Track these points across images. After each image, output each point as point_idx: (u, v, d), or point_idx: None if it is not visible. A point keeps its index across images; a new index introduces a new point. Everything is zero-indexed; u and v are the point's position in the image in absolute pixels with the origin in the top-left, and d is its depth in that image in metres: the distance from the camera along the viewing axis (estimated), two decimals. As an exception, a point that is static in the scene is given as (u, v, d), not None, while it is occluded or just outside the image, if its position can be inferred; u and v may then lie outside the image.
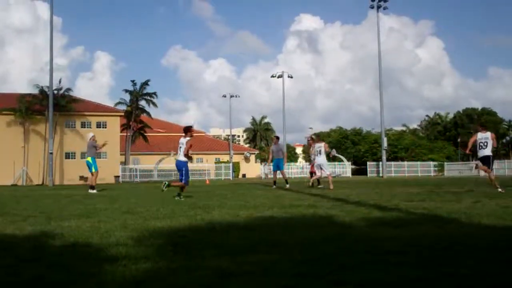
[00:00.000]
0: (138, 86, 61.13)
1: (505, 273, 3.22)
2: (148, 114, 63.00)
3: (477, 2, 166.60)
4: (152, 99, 62.47)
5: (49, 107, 40.23)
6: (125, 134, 59.09)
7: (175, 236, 5.11)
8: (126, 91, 61.67)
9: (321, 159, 17.83)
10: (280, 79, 68.06)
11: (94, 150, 18.42)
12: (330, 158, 58.08)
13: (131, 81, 74.33)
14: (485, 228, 5.51)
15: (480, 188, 11.67)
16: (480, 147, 13.60)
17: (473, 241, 4.51)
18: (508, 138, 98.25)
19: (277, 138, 22.15)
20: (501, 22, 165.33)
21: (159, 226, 6.06)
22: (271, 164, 21.84)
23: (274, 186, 19.73)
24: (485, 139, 13.62)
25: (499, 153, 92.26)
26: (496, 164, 59.12)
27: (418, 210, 7.79)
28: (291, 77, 70.43)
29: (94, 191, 17.51)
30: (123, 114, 57.28)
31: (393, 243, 4.41)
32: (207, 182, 36.65)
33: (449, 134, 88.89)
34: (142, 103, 62.39)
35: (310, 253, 4.03)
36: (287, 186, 19.02)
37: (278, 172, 20.45)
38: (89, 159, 18.26)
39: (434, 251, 4.03)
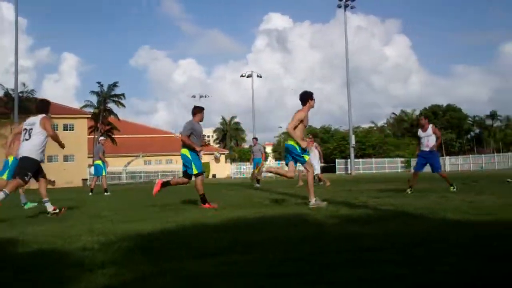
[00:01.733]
0: (105, 88, 60.47)
1: (483, 269, 3.24)
2: (116, 115, 62.38)
3: (443, 0, 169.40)
4: (120, 100, 61.93)
5: (15, 109, 39.45)
6: (92, 136, 58.35)
7: (145, 240, 5.02)
8: (93, 93, 60.97)
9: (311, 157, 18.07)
10: (250, 78, 68.38)
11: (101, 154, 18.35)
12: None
13: (97, 82, 73.61)
14: (453, 223, 5.59)
15: (444, 183, 11.88)
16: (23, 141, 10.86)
17: (445, 236, 4.56)
18: (472, 133, 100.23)
19: (256, 139, 23.11)
20: (467, 21, 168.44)
21: (128, 229, 5.95)
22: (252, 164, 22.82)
23: (258, 185, 20.36)
24: (32, 125, 11.80)
25: (464, 148, 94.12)
26: (460, 159, 60.50)
27: (386, 207, 7.87)
28: (260, 77, 70.86)
29: (108, 193, 17.62)
30: (90, 116, 56.58)
31: (370, 240, 4.44)
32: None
33: (415, 130, 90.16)
34: (111, 104, 61.77)
35: (287, 253, 3.98)
36: (258, 185, 19.37)
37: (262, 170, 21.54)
38: (99, 162, 18.13)
39: (411, 247, 4.05)
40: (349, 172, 54.44)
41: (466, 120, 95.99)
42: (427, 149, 11.90)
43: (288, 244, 4.41)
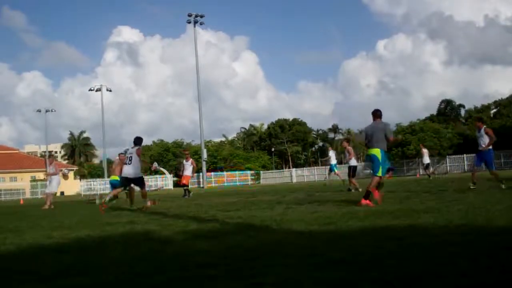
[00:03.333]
0: None
1: (308, 279, 3.41)
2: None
3: (287, 21, 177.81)
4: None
5: None
6: None
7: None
8: None
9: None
10: (99, 92, 66.39)
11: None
12: (152, 172, 57.96)
13: None
14: (295, 234, 5.82)
15: (294, 194, 12.43)
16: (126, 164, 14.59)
17: (284, 248, 4.73)
18: (316, 146, 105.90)
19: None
20: (309, 39, 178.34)
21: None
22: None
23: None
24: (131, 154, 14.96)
25: (309, 160, 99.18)
26: (306, 171, 63.58)
27: (234, 220, 8.02)
28: (110, 91, 68.96)
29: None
30: None
31: (207, 256, 4.46)
32: (21, 202, 34.00)
33: (264, 144, 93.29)
34: None
35: (123, 273, 3.91)
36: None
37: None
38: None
39: (246, 261, 4.13)
40: (201, 186, 54.73)
41: (310, 134, 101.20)
42: (482, 148, 13.38)
43: (124, 265, 4.32)
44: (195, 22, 53.61)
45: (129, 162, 13.23)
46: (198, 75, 53.47)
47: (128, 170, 13.27)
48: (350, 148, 18.10)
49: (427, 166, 30.51)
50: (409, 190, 14.92)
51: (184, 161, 22.36)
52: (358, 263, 3.80)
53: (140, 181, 13.54)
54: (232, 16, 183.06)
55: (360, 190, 15.25)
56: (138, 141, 13.70)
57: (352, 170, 17.17)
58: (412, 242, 4.69)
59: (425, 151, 30.78)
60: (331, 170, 25.31)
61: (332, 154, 28.91)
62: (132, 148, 13.60)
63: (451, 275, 3.27)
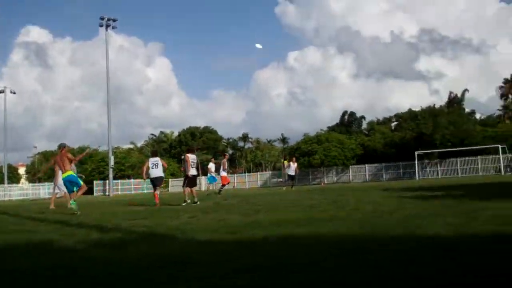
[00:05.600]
0: None
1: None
2: None
3: (202, 29, 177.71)
4: None
5: None
6: None
7: None
8: None
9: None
10: (2, 94, 63.51)
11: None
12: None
13: None
14: (201, 242, 5.81)
15: (201, 202, 12.40)
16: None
17: (188, 257, 4.71)
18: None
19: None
20: (223, 49, 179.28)
21: None
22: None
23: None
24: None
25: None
26: (203, 180, 63.52)
27: (140, 228, 7.88)
28: (14, 93, 66.03)
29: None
30: None
31: (108, 266, 4.35)
32: None
33: (174, 151, 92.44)
34: None
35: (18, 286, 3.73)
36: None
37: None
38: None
39: (149, 271, 4.08)
40: (107, 193, 53.30)
41: (221, 142, 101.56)
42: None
43: (20, 278, 4.14)
44: (107, 26, 52.37)
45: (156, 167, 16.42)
46: (108, 79, 52.19)
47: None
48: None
49: (291, 178, 30.69)
50: (312, 198, 15.29)
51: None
52: (262, 271, 3.86)
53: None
54: (147, 22, 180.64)
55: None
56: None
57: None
58: (315, 250, 4.82)
59: (291, 164, 30.59)
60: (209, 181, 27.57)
61: (211, 166, 29.73)
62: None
63: (356, 282, 3.39)
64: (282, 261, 4.22)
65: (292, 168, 29.90)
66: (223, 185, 25.01)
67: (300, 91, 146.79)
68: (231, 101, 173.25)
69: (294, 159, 31.78)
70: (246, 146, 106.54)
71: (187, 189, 16.45)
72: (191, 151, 17.49)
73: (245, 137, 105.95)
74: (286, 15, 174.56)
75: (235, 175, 68.42)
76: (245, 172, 78.49)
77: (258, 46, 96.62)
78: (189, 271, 3.99)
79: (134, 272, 4.08)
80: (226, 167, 23.93)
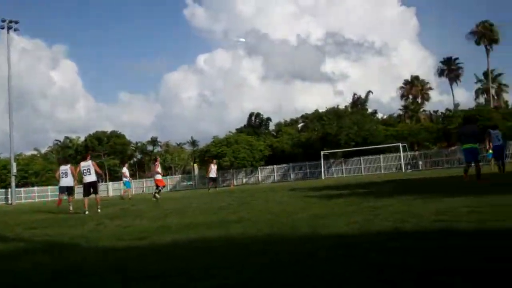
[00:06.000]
0: None
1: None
2: None
3: (108, 31, 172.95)
4: None
5: None
6: None
7: None
8: None
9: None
10: None
11: None
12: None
13: None
14: (105, 250, 5.65)
15: (109, 209, 12.08)
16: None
17: (91, 266, 4.58)
18: (135, 159, 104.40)
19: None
20: (131, 52, 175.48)
21: None
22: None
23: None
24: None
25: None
26: (110, 186, 62.31)
27: (42, 238, 7.57)
28: None
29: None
30: None
31: (7, 277, 4.15)
32: None
33: (80, 157, 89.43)
34: None
35: None
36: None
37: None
38: None
39: (48, 281, 3.93)
40: (9, 202, 50.68)
41: (129, 146, 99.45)
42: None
43: None
44: (9, 28, 49.88)
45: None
46: (9, 82, 49.61)
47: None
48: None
49: (213, 180, 31.19)
50: (222, 200, 15.34)
51: None
52: (167, 277, 3.81)
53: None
54: (51, 24, 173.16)
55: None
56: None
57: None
58: (223, 252, 4.83)
59: (213, 166, 31.14)
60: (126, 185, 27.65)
61: (125, 170, 29.64)
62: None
63: (265, 284, 3.42)
64: (190, 266, 4.19)
65: (213, 170, 30.54)
66: (160, 187, 24.23)
67: (210, 94, 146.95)
68: (139, 104, 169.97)
69: (214, 161, 32.69)
70: (155, 150, 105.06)
71: (86, 199, 15.13)
72: (83, 158, 16.46)
73: (154, 141, 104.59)
74: (195, 17, 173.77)
75: (144, 179, 67.40)
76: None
77: (241, 40, 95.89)
78: (89, 279, 3.88)
79: (29, 283, 3.91)
80: (159, 170, 23.49)
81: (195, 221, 8.37)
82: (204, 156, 52.81)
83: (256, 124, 77.21)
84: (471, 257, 3.65)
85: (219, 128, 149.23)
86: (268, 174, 57.05)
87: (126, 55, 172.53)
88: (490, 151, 21.70)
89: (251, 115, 78.54)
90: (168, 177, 66.59)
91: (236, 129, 73.37)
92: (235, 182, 57.02)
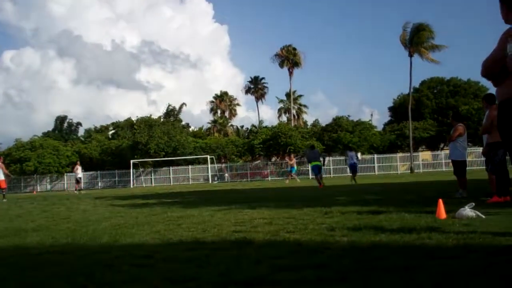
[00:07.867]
0: None
1: None
2: None
3: None
4: None
5: None
6: None
7: None
8: None
9: None
10: None
11: None
12: None
13: None
14: None
15: None
16: None
17: None
18: None
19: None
20: None
21: None
22: None
23: None
24: None
25: None
26: None
27: None
28: None
29: None
30: None
31: None
32: None
33: None
34: None
35: None
36: None
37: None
38: None
39: None
40: None
41: None
42: None
43: None
44: None
45: None
46: None
47: None
48: None
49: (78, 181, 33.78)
50: (22, 207, 14.42)
51: None
52: None
53: None
54: None
55: None
56: None
57: None
58: (13, 262, 4.59)
59: (78, 167, 33.61)
60: None
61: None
62: None
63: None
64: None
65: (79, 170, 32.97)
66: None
67: (16, 93, 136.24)
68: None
69: (78, 162, 35.15)
70: None
71: None
72: None
73: None
74: (3, 11, 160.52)
75: None
76: None
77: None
78: None
79: None
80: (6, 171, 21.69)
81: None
82: (4, 160, 48.76)
83: (64, 128, 73.65)
84: (261, 267, 3.89)
85: (25, 131, 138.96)
86: (108, 179, 54.96)
87: None
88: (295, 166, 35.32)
89: (57, 118, 74.68)
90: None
91: (43, 133, 69.28)
92: (38, 188, 53.72)
